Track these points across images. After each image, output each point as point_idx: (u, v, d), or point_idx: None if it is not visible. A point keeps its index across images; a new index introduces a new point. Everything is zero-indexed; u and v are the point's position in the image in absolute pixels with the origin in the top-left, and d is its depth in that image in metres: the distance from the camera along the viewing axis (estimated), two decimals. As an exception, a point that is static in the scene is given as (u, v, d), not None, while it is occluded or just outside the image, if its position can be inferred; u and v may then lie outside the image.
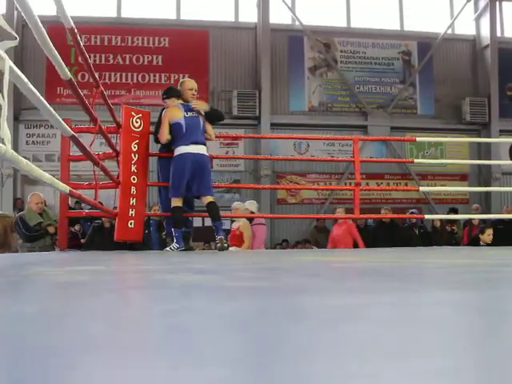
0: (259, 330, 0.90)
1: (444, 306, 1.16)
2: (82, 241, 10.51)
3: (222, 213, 14.69)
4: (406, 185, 17.98)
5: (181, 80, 8.21)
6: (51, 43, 3.58)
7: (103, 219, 9.51)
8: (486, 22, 19.20)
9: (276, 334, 0.86)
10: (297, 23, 18.38)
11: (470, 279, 1.95)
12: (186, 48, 17.71)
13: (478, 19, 19.42)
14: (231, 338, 0.83)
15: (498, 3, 19.32)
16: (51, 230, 8.83)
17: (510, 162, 18.02)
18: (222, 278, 2.12)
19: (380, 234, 12.30)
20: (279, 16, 18.40)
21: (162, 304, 1.30)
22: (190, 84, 7.69)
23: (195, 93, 7.61)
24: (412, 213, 12.78)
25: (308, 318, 1.03)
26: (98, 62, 16.73)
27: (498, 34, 19.21)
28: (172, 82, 17.31)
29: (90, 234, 9.86)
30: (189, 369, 0.64)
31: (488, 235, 10.36)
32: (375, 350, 0.73)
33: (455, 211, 14.00)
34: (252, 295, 1.44)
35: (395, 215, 12.59)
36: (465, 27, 19.58)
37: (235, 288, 1.64)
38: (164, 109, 7.83)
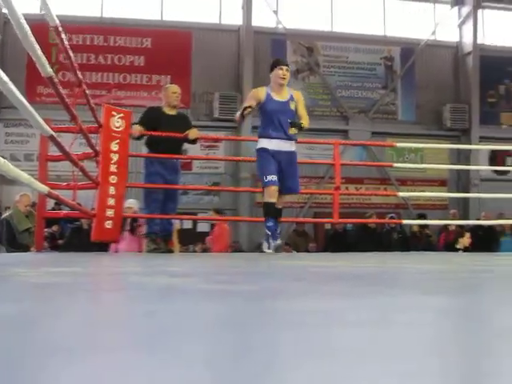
0: (234, 333, 0.90)
1: (420, 310, 1.17)
2: (60, 242, 10.45)
3: (201, 215, 14.66)
4: (386, 190, 18.06)
5: (165, 86, 8.35)
6: (33, 39, 3.56)
7: (82, 220, 9.45)
8: (468, 29, 19.37)
9: (251, 336, 0.86)
10: (280, 26, 18.43)
11: (448, 285, 1.96)
12: (169, 49, 17.68)
13: (460, 26, 19.58)
14: (205, 339, 0.83)
15: (480, 11, 19.49)
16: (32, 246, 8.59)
17: (488, 167, 18.17)
18: (197, 280, 2.12)
19: (359, 239, 12.36)
20: (263, 19, 18.43)
21: (137, 306, 1.29)
22: (173, 88, 7.92)
23: (179, 96, 7.84)
24: (391, 217, 12.85)
25: (283, 321, 1.02)
26: (79, 61, 16.62)
27: (481, 41, 19.38)
28: (154, 82, 17.30)
29: (68, 235, 9.81)
30: (164, 369, 0.64)
31: (467, 238, 10.45)
32: (349, 353, 0.73)
33: (424, 217, 14.17)
34: (226, 298, 1.44)
35: (373, 220, 12.65)
36: (447, 34, 19.73)
37: (210, 291, 1.64)
38: (149, 109, 7.91)
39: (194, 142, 7.88)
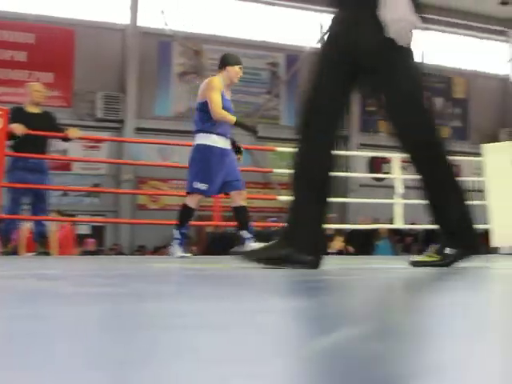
0: (102, 336, 0.92)
1: (273, 313, 1.22)
2: None
3: (81, 218, 14.35)
4: (268, 194, 18.28)
5: (28, 84, 8.18)
6: None
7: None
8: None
9: (117, 339, 0.88)
10: (167, 28, 18.35)
11: (307, 287, 2.04)
12: (52, 46, 17.25)
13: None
14: (74, 344, 0.84)
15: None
16: None
17: (367, 175, 18.80)
18: (66, 283, 2.11)
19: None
20: (150, 20, 18.30)
21: (4, 310, 1.29)
22: (36, 86, 7.87)
23: (43, 94, 7.75)
24: (273, 221, 13.05)
25: (150, 324, 1.05)
26: (-45, 54, 15.96)
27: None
28: (35, 79, 16.80)
29: None
30: (27, 374, 0.65)
31: (339, 242, 10.71)
32: (202, 355, 0.77)
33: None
34: (97, 301, 1.45)
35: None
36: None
37: (80, 294, 1.65)
38: (13, 109, 7.70)
39: (67, 140, 7.74)
